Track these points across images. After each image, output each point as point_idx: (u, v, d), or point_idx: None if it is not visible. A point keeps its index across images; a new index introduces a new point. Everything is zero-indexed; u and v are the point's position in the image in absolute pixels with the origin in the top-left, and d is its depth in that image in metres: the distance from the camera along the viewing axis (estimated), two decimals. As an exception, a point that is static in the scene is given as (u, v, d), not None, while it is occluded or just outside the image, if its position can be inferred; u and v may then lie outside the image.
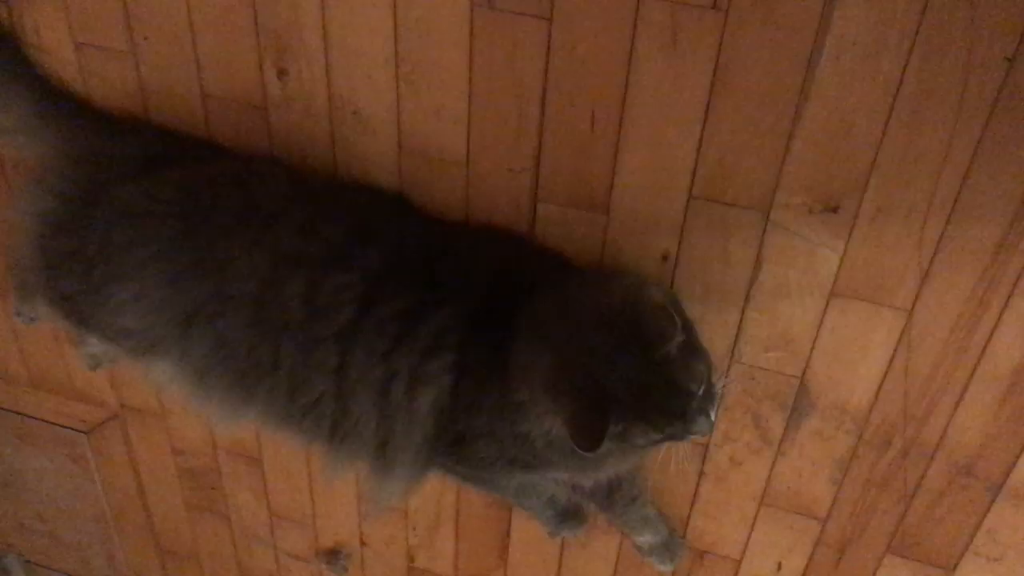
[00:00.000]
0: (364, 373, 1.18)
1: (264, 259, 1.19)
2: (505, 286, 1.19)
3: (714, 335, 1.28)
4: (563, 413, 1.05)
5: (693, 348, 1.07)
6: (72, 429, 1.89)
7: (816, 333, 1.25)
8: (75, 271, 1.27)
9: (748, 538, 1.51)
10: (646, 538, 1.52)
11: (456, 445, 1.22)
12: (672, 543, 1.54)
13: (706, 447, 1.43)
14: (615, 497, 1.45)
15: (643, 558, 1.57)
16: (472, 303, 1.18)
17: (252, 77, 1.28)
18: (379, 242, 1.21)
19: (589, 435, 1.01)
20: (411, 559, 1.81)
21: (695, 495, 1.49)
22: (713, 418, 1.08)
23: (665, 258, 1.25)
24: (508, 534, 1.68)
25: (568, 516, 1.53)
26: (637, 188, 1.20)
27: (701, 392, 1.05)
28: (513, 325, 1.14)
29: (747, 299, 1.25)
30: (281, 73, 1.26)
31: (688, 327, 1.08)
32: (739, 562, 1.55)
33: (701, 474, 1.46)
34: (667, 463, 1.33)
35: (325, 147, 1.32)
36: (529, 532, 1.65)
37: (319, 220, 1.21)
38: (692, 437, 1.08)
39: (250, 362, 1.22)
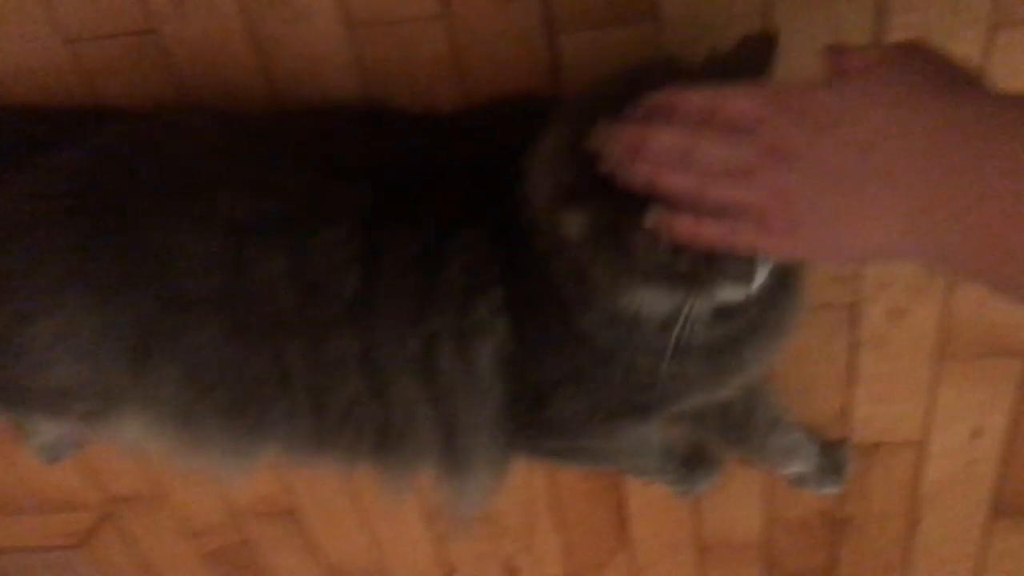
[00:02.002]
0: (396, 350, 0.89)
1: (218, 240, 0.88)
2: None
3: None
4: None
5: None
6: (61, 548, 1.63)
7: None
8: None
9: (930, 409, 1.19)
10: (796, 468, 1.22)
11: (537, 407, 0.92)
12: (831, 459, 1.23)
13: (854, 307, 1.09)
14: (749, 428, 1.14)
15: (799, 489, 1.26)
16: (502, 210, 0.85)
17: (121, -10, 0.93)
18: (359, 172, 0.90)
19: (571, 188, 0.72)
20: (512, 572, 1.52)
21: (851, 376, 1.16)
22: (760, 270, 0.73)
23: (750, 54, 0.91)
24: (623, 505, 1.36)
25: (696, 463, 1.20)
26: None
27: None
28: None
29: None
30: (158, -32, 0.91)
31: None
32: (922, 443, 1.23)
33: (853, 345, 1.13)
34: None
35: (250, 63, 0.98)
36: (649, 495, 1.34)
37: (274, 169, 0.90)
38: (727, 283, 0.74)
39: (246, 384, 0.92)
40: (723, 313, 0.81)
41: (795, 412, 1.18)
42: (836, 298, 1.08)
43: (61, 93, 1.02)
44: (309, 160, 0.90)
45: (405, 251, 0.87)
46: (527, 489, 1.37)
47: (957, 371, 1.15)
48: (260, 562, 1.59)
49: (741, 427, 1.12)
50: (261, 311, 0.88)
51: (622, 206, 0.71)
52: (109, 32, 0.97)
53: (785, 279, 0.85)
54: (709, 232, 0.65)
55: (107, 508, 1.55)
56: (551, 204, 0.74)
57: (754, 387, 1.08)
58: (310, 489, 1.43)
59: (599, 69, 0.93)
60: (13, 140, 0.99)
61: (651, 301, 0.80)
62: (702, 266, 0.72)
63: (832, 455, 1.23)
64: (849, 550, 1.35)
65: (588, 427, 0.93)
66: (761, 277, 0.73)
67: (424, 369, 0.89)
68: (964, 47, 0.90)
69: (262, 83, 0.99)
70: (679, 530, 1.38)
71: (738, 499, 1.32)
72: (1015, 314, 1.08)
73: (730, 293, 0.75)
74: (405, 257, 0.87)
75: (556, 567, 1.48)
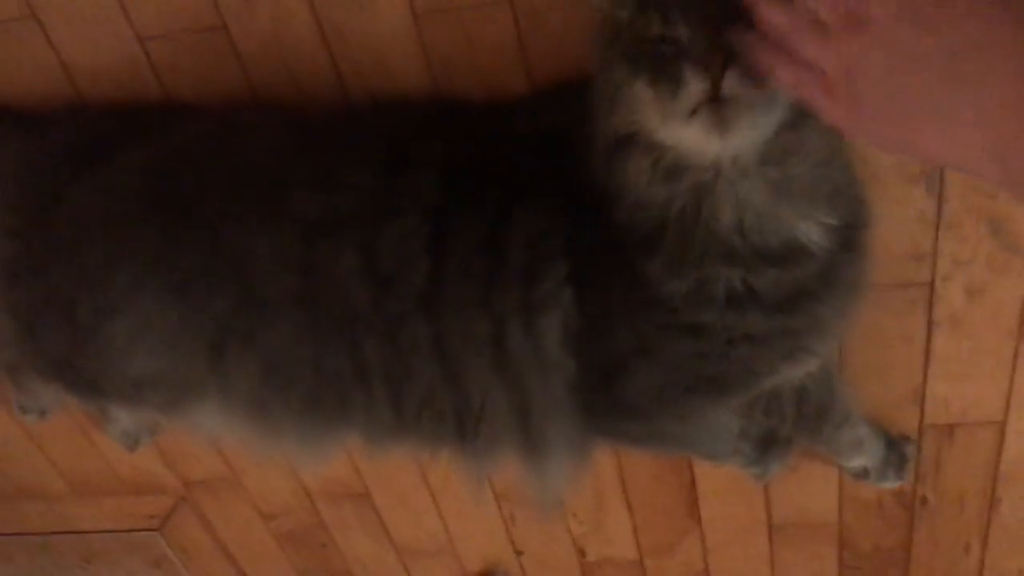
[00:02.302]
0: (468, 334, 0.89)
1: (291, 238, 0.89)
2: None
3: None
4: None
5: None
6: (142, 530, 1.66)
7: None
8: (56, 322, 0.98)
9: (1010, 388, 1.16)
10: (858, 462, 1.20)
11: (609, 387, 0.91)
12: (895, 454, 1.21)
13: (931, 285, 1.06)
14: (822, 421, 1.11)
15: (859, 480, 1.24)
16: (563, 184, 0.86)
17: (192, -13, 0.94)
18: (425, 164, 0.90)
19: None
20: (582, 553, 1.51)
21: (927, 356, 1.13)
22: (727, 80, 0.68)
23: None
24: (693, 485, 1.35)
25: (769, 444, 1.18)
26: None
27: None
28: None
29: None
30: (227, -36, 0.92)
31: None
32: (1003, 423, 1.19)
33: (930, 324, 1.10)
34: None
35: (317, 55, 0.98)
36: (719, 475, 1.33)
37: (342, 164, 0.91)
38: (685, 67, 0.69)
39: (323, 379, 0.93)
40: (784, 258, 0.80)
41: (870, 394, 1.16)
42: (912, 276, 1.05)
43: (136, 90, 1.03)
44: (376, 155, 0.91)
45: (470, 235, 0.87)
46: (595, 470, 1.36)
47: (1038, 349, 1.11)
48: (333, 543, 1.61)
49: (814, 419, 1.10)
50: (335, 307, 0.89)
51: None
52: (181, 28, 0.98)
53: (850, 236, 0.83)
54: (784, 72, 0.63)
55: (185, 492, 1.59)
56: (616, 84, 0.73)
57: (829, 378, 1.06)
58: (380, 471, 1.44)
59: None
60: (91, 138, 1.00)
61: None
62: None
63: (897, 450, 1.21)
64: (925, 531, 1.33)
65: (662, 405, 0.92)
66: (733, 90, 0.68)
67: (494, 351, 0.88)
68: None
69: (330, 74, 0.99)
70: (750, 511, 1.36)
71: (811, 479, 1.30)
72: (1100, 289, 1.04)
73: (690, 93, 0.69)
74: (470, 240, 0.87)
75: (626, 548, 1.48)
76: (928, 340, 1.12)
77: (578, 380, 0.90)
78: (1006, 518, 1.29)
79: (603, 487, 1.39)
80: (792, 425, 1.11)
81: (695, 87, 0.68)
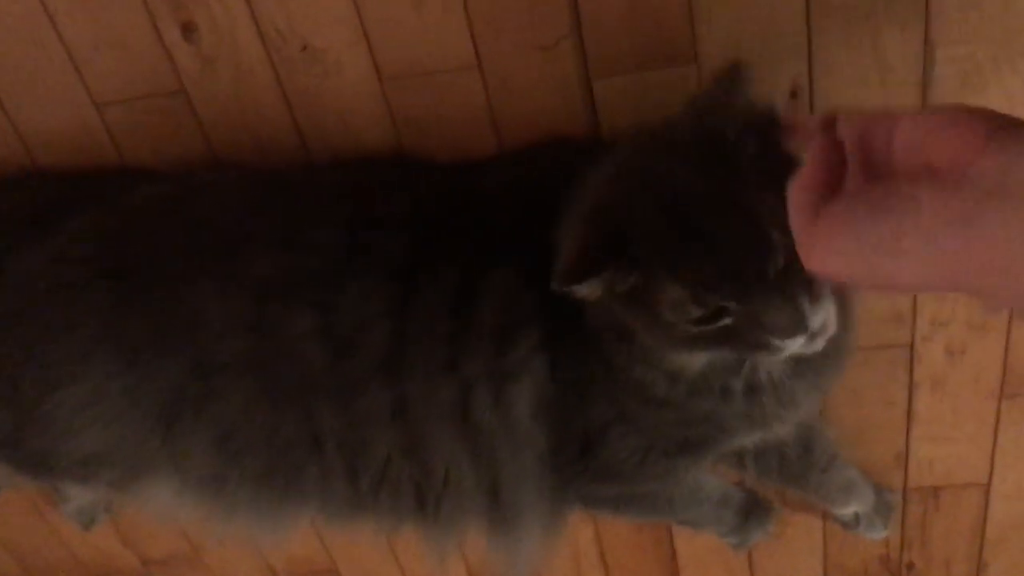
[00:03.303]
0: (431, 403, 0.84)
1: (245, 299, 0.85)
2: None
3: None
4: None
5: (778, 167, 0.60)
6: None
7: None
8: (0, 397, 0.92)
9: (993, 449, 1.13)
10: (852, 508, 1.16)
11: (585, 455, 0.88)
12: (881, 503, 1.17)
13: (911, 347, 1.04)
14: (807, 465, 1.08)
15: (850, 531, 1.20)
16: (538, 245, 0.80)
17: (150, 50, 0.92)
18: (390, 223, 0.86)
19: (574, 264, 0.69)
20: None
21: (909, 417, 1.11)
22: (813, 318, 0.67)
23: (794, 94, 0.87)
24: (674, 557, 1.30)
25: (751, 511, 1.14)
26: (728, 9, 0.83)
27: (783, 258, 0.64)
28: None
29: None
30: (187, 29, 0.90)
31: (772, 129, 0.65)
32: (987, 486, 1.17)
33: (911, 386, 1.08)
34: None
35: (281, 119, 0.95)
36: (699, 545, 1.29)
37: (302, 222, 0.87)
38: (776, 340, 0.67)
39: (277, 448, 0.88)
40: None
41: (853, 455, 1.13)
42: (893, 338, 1.03)
43: (91, 156, 0.99)
44: (339, 214, 0.87)
45: (436, 297, 0.83)
46: (573, 543, 1.31)
47: (1021, 409, 1.09)
48: (300, 623, 1.53)
49: (799, 464, 1.07)
50: (290, 372, 0.85)
51: (647, 269, 0.67)
52: (139, 94, 0.95)
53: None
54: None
55: (144, 571, 1.50)
56: (565, 273, 0.70)
57: (810, 424, 1.03)
58: (348, 548, 1.38)
59: (635, 113, 0.90)
60: (43, 205, 0.96)
61: (696, 360, 0.77)
62: (744, 324, 0.68)
63: (883, 498, 1.18)
64: (912, 598, 1.29)
65: (644, 468, 0.89)
66: (822, 323, 0.68)
67: (460, 419, 0.85)
68: (1012, 80, 0.86)
69: (294, 139, 0.96)
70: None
71: (795, 547, 1.26)
72: (1080, 349, 1.03)
73: (792, 346, 0.68)
74: (436, 302, 0.83)
75: (605, 621, 1.42)
76: (910, 402, 1.10)
77: (550, 449, 0.87)
78: (994, 583, 1.26)
79: (581, 560, 1.33)
80: (778, 474, 1.08)
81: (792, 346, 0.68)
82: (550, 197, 0.85)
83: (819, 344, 0.69)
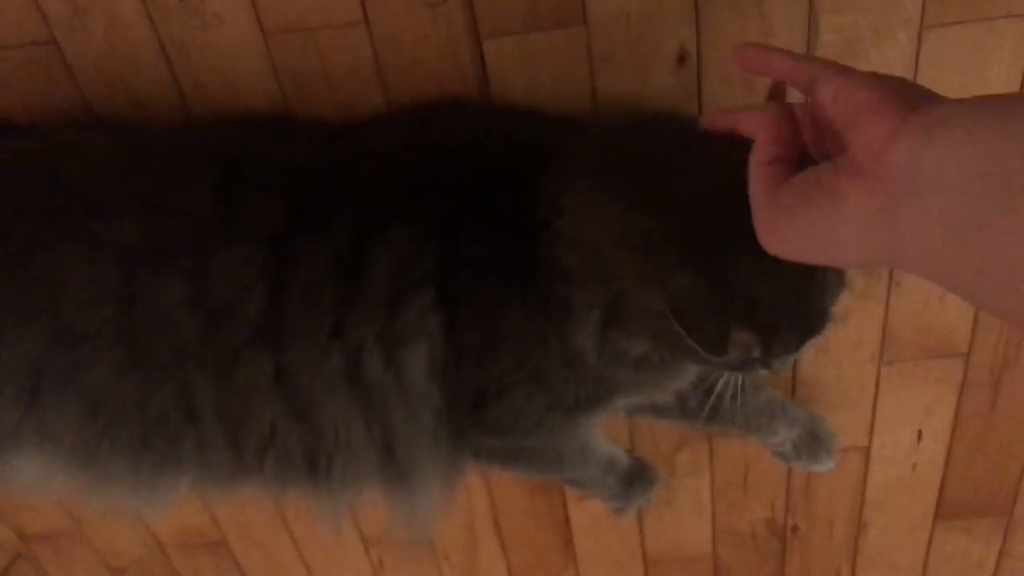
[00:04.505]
0: (317, 366, 0.82)
1: (111, 266, 0.81)
2: (471, 167, 0.83)
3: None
4: (672, 293, 0.69)
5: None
6: None
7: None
8: None
9: (873, 414, 1.17)
10: (783, 434, 1.11)
11: (480, 407, 0.87)
12: (820, 430, 1.14)
13: (795, 313, 1.06)
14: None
15: (791, 464, 1.17)
16: (433, 206, 0.82)
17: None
18: (266, 187, 0.83)
19: (708, 330, 0.68)
20: None
21: (794, 383, 1.14)
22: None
23: (682, 59, 0.88)
24: (567, 521, 1.31)
25: (635, 477, 1.15)
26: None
27: None
28: (517, 210, 0.79)
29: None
30: (54, -26, 0.84)
31: None
32: (867, 448, 1.21)
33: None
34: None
35: (158, 74, 0.91)
36: (593, 511, 1.30)
37: (173, 188, 0.83)
38: (776, 367, 0.76)
39: (150, 419, 0.85)
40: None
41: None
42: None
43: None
44: (209, 177, 0.83)
45: (319, 261, 0.81)
46: (468, 511, 1.31)
47: (898, 374, 1.13)
48: (190, 597, 1.50)
49: (705, 399, 1.06)
50: (161, 342, 0.81)
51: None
52: (6, 43, 0.89)
53: None
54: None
55: (22, 547, 1.44)
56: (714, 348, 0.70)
57: None
58: (238, 518, 1.35)
59: (525, 74, 0.89)
60: None
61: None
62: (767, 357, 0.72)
63: (821, 424, 1.14)
64: (797, 559, 1.33)
65: (542, 424, 0.89)
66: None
67: (350, 383, 0.83)
68: (895, 49, 0.88)
69: (173, 96, 0.92)
70: (625, 545, 1.34)
71: (684, 512, 1.29)
72: (954, 316, 1.06)
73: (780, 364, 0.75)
74: (318, 266, 0.81)
75: (501, 589, 1.42)
76: (794, 367, 1.12)
77: (445, 408, 0.86)
78: (873, 543, 1.30)
79: (476, 528, 1.33)
80: (690, 415, 1.07)
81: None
82: (443, 159, 0.84)
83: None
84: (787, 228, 0.53)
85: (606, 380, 0.84)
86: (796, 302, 0.71)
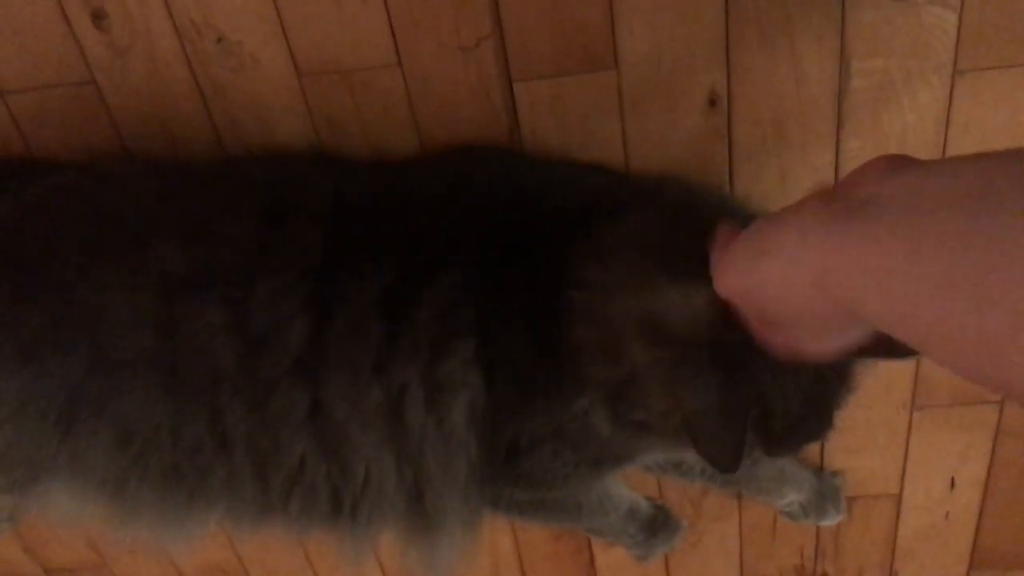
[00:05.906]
0: (354, 405, 0.82)
1: (150, 293, 0.81)
2: (512, 224, 0.83)
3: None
4: (688, 416, 0.71)
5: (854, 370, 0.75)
6: None
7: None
8: None
9: (905, 460, 1.15)
10: (790, 498, 1.15)
11: (512, 462, 0.87)
12: (826, 488, 1.16)
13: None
14: None
15: (798, 523, 1.19)
16: (475, 258, 0.82)
17: (59, 39, 0.88)
18: (308, 215, 0.84)
19: (723, 452, 0.69)
20: None
21: (824, 427, 1.12)
22: None
23: (713, 102, 0.88)
24: (592, 562, 1.29)
25: (657, 526, 1.14)
26: (649, 17, 0.83)
27: None
28: (556, 269, 0.78)
29: (839, 122, 0.88)
30: (97, 16, 0.87)
31: None
32: (899, 496, 1.18)
33: (826, 396, 1.08)
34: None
35: (195, 114, 0.93)
36: (617, 552, 1.27)
37: (213, 214, 0.84)
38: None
39: (182, 449, 0.84)
40: None
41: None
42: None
43: (-6, 149, 0.96)
44: (252, 206, 0.84)
45: (365, 297, 0.80)
46: (493, 552, 1.29)
47: (931, 420, 1.11)
48: (212, 633, 1.49)
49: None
50: (197, 370, 0.81)
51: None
52: (47, 83, 0.91)
53: None
54: None
55: (48, 581, 1.44)
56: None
57: None
58: (262, 554, 1.34)
59: (555, 117, 0.90)
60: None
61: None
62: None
63: (826, 485, 1.16)
64: (826, 607, 1.30)
65: (565, 479, 0.88)
66: None
67: (388, 422, 0.82)
68: (927, 92, 0.87)
69: (209, 134, 0.94)
70: (651, 588, 1.32)
71: (711, 556, 1.27)
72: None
73: None
74: (364, 302, 0.80)
75: (524, 632, 1.40)
76: (824, 412, 1.11)
77: (481, 460, 0.85)
78: (905, 593, 1.28)
79: (501, 569, 1.32)
80: (707, 476, 1.08)
81: None
82: (485, 213, 0.84)
83: None
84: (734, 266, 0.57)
85: (625, 444, 0.84)
86: (808, 415, 0.71)
